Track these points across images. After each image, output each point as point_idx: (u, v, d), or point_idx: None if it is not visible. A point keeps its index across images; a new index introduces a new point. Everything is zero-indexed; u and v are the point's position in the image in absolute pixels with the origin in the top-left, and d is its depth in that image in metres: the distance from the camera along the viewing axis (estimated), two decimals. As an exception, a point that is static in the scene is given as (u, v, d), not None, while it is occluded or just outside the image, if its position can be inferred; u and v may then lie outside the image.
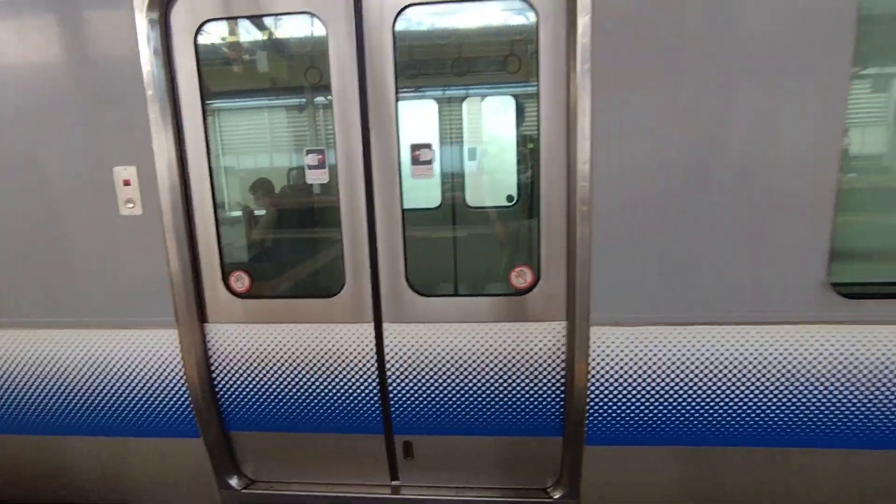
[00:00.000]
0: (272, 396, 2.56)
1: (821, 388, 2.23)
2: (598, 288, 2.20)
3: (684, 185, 2.11)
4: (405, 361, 2.45)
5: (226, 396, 2.59)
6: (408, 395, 2.48)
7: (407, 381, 2.47)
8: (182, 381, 2.50)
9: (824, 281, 2.13)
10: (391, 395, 2.49)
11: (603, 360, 2.26)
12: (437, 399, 2.48)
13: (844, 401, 2.24)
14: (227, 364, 2.54)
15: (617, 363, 2.26)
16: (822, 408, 2.25)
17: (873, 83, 2.30)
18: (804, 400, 2.25)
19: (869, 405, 2.23)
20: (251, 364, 2.53)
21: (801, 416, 2.27)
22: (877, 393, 2.21)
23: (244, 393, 2.57)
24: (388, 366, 2.46)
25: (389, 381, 2.47)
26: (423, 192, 4.79)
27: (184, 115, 2.34)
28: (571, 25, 2.09)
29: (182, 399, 2.53)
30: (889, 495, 2.37)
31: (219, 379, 2.57)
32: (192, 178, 2.40)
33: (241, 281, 2.49)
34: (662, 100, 2.06)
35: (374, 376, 2.48)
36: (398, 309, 2.41)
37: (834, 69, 1.99)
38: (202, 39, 2.32)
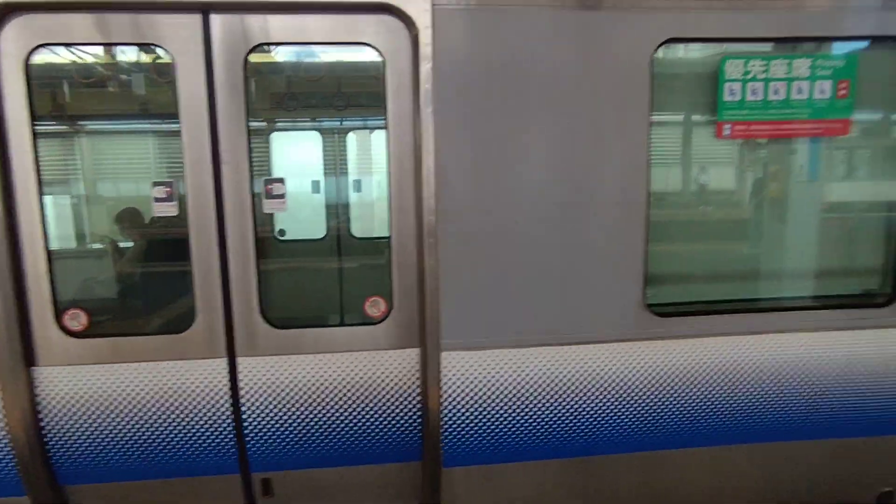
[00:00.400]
0: (114, 443, 2.38)
1: (646, 395, 2.51)
2: (447, 315, 2.33)
3: (522, 218, 2.32)
4: (261, 396, 2.40)
5: (58, 447, 2.36)
6: (265, 431, 2.43)
7: (263, 415, 2.42)
8: (3, 433, 2.25)
9: (641, 302, 2.44)
10: (247, 432, 2.43)
11: (454, 383, 2.38)
12: (296, 432, 2.45)
13: (666, 404, 2.53)
14: (60, 411, 2.33)
15: (468, 386, 2.39)
16: (648, 413, 2.53)
17: (668, 130, 2.69)
18: (634, 407, 2.52)
19: (684, 406, 2.54)
20: (88, 410, 2.34)
21: (632, 422, 2.53)
22: (688, 395, 2.53)
23: (80, 442, 2.36)
24: (242, 401, 2.40)
25: (244, 416, 2.41)
26: (310, 223, 4.77)
27: (11, 143, 2.18)
28: (416, 71, 2.25)
29: (4, 453, 2.28)
30: (719, 487, 2.70)
31: (49, 428, 2.34)
32: (19, 208, 2.22)
33: (77, 319, 2.32)
34: (500, 141, 2.27)
35: (228, 413, 2.40)
36: (252, 342, 2.38)
37: (637, 119, 2.32)
38: (36, 62, 2.20)
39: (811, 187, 2.77)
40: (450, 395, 2.39)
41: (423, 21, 2.19)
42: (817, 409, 2.61)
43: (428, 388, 2.38)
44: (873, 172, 2.68)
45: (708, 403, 2.55)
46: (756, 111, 2.45)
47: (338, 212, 4.73)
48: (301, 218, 4.63)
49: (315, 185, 4.83)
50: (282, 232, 4.55)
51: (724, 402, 2.56)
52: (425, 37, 2.19)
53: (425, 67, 2.21)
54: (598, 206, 2.36)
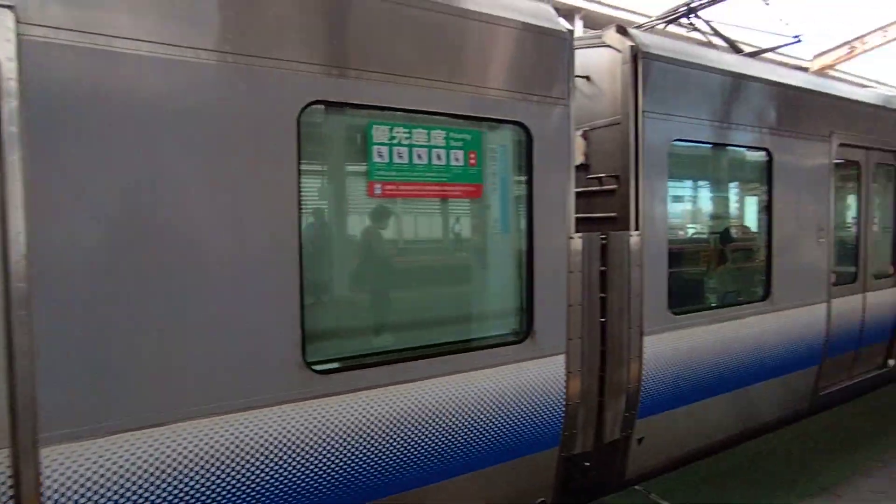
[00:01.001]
0: None
1: (314, 456, 2.43)
2: (47, 402, 1.91)
3: (145, 280, 2.06)
4: None
5: None
6: None
7: None
8: None
9: (300, 362, 2.37)
10: None
11: (63, 485, 1.94)
12: None
13: (343, 460, 2.48)
14: None
15: (83, 485, 1.97)
16: (319, 473, 2.44)
17: (324, 184, 2.74)
18: (311, 469, 2.41)
19: (353, 461, 2.52)
20: None
21: (314, 483, 2.42)
22: (358, 449, 2.53)
23: None
24: None
25: None
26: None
27: None
28: None
29: None
30: None
31: None
32: None
33: None
34: (113, 194, 2.01)
35: None
36: None
37: (284, 174, 2.30)
38: None
39: (461, 240, 3.11)
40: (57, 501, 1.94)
41: (3, 52, 1.83)
42: (480, 441, 2.87)
43: (22, 499, 1.90)
44: (508, 227, 3.14)
45: (380, 454, 2.59)
46: (403, 173, 2.67)
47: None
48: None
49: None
50: None
51: (395, 450, 2.62)
52: (8, 70, 1.84)
53: (9, 106, 1.84)
54: (244, 263, 2.24)
